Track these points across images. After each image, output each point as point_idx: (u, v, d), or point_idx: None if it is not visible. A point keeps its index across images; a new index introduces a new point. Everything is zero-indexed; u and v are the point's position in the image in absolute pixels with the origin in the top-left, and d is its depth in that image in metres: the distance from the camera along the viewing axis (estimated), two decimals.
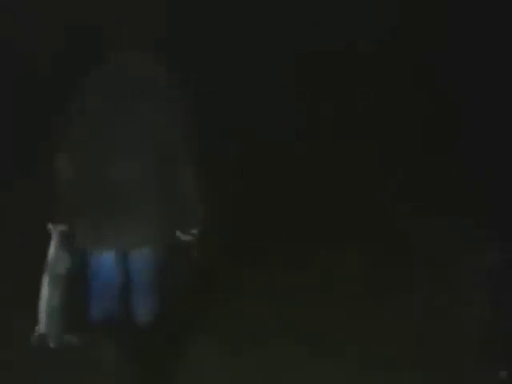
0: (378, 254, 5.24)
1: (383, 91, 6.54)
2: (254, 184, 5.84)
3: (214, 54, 6.54)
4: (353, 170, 6.18)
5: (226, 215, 5.14)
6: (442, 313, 4.67)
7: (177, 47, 5.80)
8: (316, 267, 5.13)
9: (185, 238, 3.83)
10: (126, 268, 3.84)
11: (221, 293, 4.84)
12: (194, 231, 3.82)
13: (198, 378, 4.17)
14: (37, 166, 4.48)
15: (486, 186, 5.75)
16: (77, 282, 3.81)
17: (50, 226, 3.74)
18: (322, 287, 4.97)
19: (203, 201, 3.79)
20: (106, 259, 3.81)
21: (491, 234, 4.90)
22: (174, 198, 3.73)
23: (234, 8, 6.53)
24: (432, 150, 6.23)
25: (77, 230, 3.74)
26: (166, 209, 3.74)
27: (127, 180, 3.66)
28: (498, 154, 5.88)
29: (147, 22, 3.79)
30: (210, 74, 6.34)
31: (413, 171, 6.06)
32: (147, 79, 3.72)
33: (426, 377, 4.19)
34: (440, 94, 6.44)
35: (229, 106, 6.37)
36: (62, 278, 3.76)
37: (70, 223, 3.73)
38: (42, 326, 3.78)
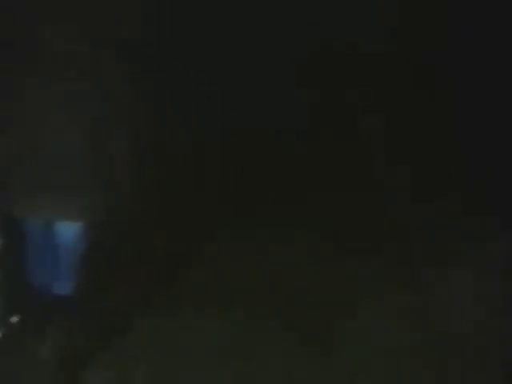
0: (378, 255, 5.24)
1: (383, 91, 6.53)
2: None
3: (212, 54, 6.54)
4: (352, 170, 6.18)
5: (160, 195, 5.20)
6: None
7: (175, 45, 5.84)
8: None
9: (116, 208, 3.89)
10: (58, 240, 3.87)
11: (152, 266, 4.82)
12: (123, 207, 3.87)
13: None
14: None
15: (486, 186, 5.77)
16: (13, 257, 3.79)
17: None
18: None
19: (133, 178, 3.83)
20: (39, 230, 3.85)
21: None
22: (106, 172, 3.80)
23: (235, 8, 6.53)
24: (432, 149, 6.24)
25: (12, 201, 3.76)
26: (97, 183, 3.79)
27: (60, 153, 3.71)
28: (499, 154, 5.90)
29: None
30: (208, 72, 6.35)
31: (414, 170, 6.06)
32: (78, 54, 3.74)
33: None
34: (441, 95, 6.45)
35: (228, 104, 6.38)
36: None
37: (6, 195, 3.74)
38: None
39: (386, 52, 6.73)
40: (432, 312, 4.70)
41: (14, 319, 3.85)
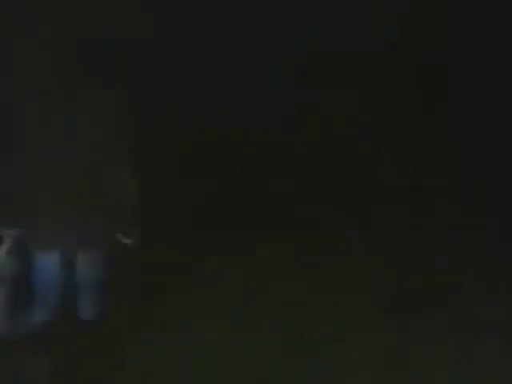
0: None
1: (383, 91, 6.53)
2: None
3: (212, 54, 6.53)
4: (352, 169, 6.17)
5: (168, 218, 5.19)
6: None
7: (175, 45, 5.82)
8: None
9: (126, 240, 3.85)
10: (71, 270, 3.89)
11: (164, 293, 4.82)
12: (135, 234, 3.87)
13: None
14: None
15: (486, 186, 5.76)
16: (23, 285, 3.79)
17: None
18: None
19: (144, 203, 3.85)
20: (51, 260, 3.86)
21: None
22: (117, 200, 3.80)
23: (235, 7, 6.52)
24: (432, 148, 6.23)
25: (27, 232, 3.78)
26: (108, 212, 3.82)
27: (71, 182, 3.76)
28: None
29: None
30: (208, 73, 6.34)
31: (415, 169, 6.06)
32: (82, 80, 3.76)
33: None
34: (442, 95, 6.45)
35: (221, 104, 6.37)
36: (9, 281, 3.75)
37: (21, 226, 3.73)
38: None
39: (386, 52, 6.72)
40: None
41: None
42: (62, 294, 3.84)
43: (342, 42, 6.68)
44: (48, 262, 3.81)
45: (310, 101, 6.58)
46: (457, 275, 5.06)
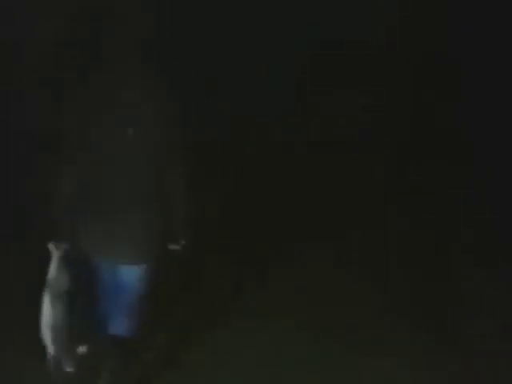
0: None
1: (383, 91, 6.53)
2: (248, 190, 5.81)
3: (213, 51, 6.53)
4: (351, 168, 6.18)
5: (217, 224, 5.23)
6: None
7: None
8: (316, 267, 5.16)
9: (176, 249, 3.88)
10: (123, 281, 3.86)
11: (214, 302, 4.82)
12: (185, 243, 3.86)
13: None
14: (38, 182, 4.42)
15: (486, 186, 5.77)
16: (77, 299, 3.77)
17: (50, 245, 3.66)
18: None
19: (192, 213, 3.84)
20: (107, 273, 3.83)
21: None
22: (166, 210, 3.79)
23: (235, 8, 6.53)
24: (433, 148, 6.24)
25: (77, 245, 3.74)
26: (159, 222, 3.79)
27: (123, 195, 3.69)
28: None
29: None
30: (210, 72, 6.35)
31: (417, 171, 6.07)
32: (137, 87, 3.69)
33: None
34: (442, 95, 6.46)
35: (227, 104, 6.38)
36: (63, 296, 3.66)
37: (70, 240, 3.70)
38: (50, 348, 3.67)
39: (386, 52, 6.73)
40: None
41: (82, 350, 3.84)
42: (118, 305, 3.85)
43: (342, 41, 6.71)
44: (103, 274, 3.80)
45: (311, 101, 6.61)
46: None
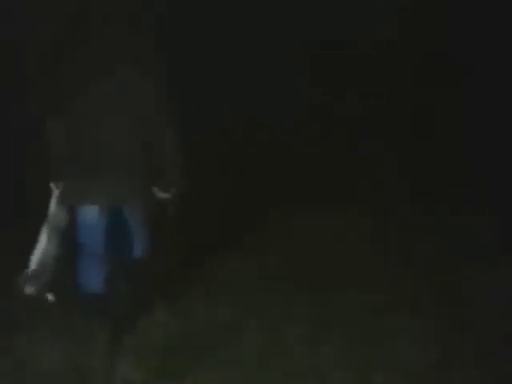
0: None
1: (383, 91, 6.55)
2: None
3: (212, 54, 6.55)
4: (351, 168, 6.20)
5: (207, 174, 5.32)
6: None
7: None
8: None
9: (163, 195, 3.97)
10: (109, 222, 4.00)
11: (198, 246, 4.91)
12: (173, 189, 3.94)
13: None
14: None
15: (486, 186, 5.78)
16: (70, 238, 3.94)
17: (51, 183, 3.91)
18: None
19: (182, 162, 3.95)
20: (91, 213, 3.96)
21: None
22: (155, 157, 3.92)
23: (235, 8, 6.55)
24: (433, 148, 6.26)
25: (65, 187, 3.93)
26: (146, 167, 3.92)
27: (111, 141, 3.85)
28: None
29: None
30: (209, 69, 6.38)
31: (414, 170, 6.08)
32: (127, 47, 3.88)
33: None
34: (441, 95, 6.48)
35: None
36: (59, 231, 3.91)
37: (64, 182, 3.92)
38: (31, 267, 3.87)
39: (386, 52, 6.75)
40: None
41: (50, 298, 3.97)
42: (104, 244, 3.99)
43: (342, 41, 6.72)
44: (88, 214, 3.95)
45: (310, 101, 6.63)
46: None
